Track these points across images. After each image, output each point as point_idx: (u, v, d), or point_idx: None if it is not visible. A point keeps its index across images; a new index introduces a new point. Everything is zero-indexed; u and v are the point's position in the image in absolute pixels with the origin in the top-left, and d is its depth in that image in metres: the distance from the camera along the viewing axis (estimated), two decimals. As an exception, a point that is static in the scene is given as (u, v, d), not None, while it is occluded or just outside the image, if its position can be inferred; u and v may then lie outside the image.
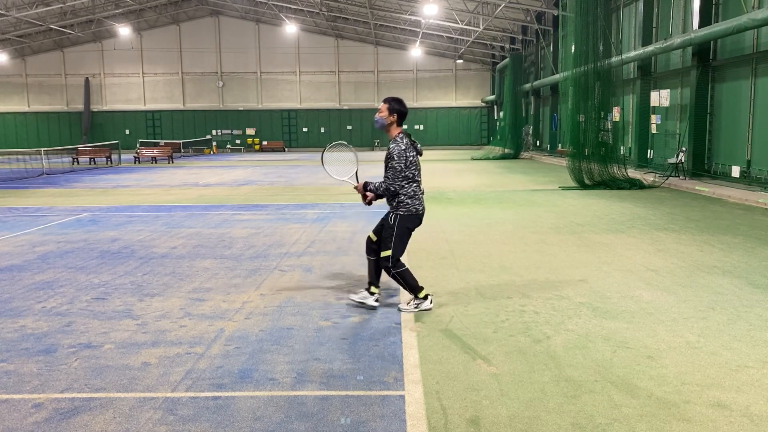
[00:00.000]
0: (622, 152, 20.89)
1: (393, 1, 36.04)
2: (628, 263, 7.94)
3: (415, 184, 5.79)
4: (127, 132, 48.94)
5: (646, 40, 21.88)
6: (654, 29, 21.99)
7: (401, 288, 5.57)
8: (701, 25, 17.75)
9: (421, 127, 48.81)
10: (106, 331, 5.47)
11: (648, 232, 10.18)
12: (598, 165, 17.93)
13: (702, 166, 18.59)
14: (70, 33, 44.52)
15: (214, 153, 47.20)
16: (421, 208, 5.84)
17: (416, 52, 46.29)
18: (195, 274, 7.65)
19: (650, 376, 4.36)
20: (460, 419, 3.77)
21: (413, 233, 5.99)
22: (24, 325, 5.67)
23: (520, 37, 38.16)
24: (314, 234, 10.45)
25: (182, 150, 43.79)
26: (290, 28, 44.24)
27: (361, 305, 6.07)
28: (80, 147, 34.79)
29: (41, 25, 41.33)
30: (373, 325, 5.56)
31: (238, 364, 4.67)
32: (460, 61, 47.65)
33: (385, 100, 5.84)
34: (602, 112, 18.45)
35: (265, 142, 49.02)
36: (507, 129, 36.53)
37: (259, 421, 3.77)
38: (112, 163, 32.86)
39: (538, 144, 37.67)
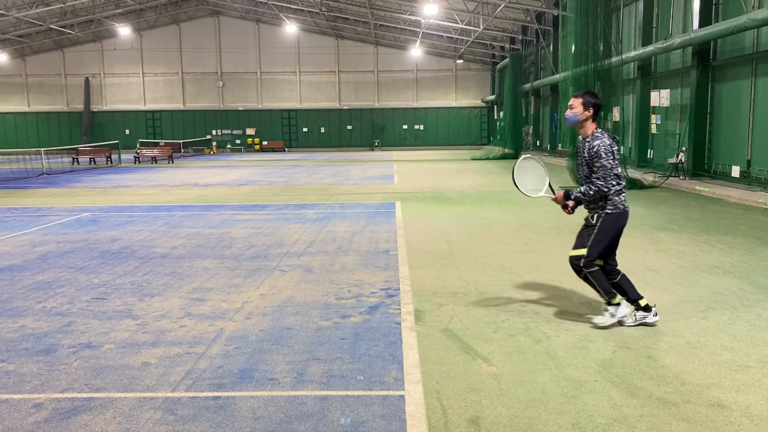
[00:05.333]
0: (622, 152, 20.90)
1: (393, 1, 36.04)
2: (628, 263, 7.93)
3: (622, 181, 5.31)
4: (127, 132, 48.94)
5: (646, 40, 21.87)
6: (654, 29, 21.98)
7: (594, 290, 5.33)
8: (701, 25, 17.75)
9: (421, 127, 48.79)
10: (106, 331, 5.47)
11: (648, 232, 10.18)
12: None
13: (702, 166, 18.59)
14: (70, 33, 44.51)
15: (214, 153, 47.17)
16: (627, 204, 5.37)
17: (416, 52, 46.25)
18: (195, 274, 7.65)
19: (650, 376, 4.36)
20: (460, 419, 3.76)
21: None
22: (24, 325, 5.67)
23: (520, 37, 38.16)
24: (314, 234, 10.44)
25: (182, 150, 43.78)
26: (290, 28, 44.22)
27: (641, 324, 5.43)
28: (80, 147, 34.79)
29: (41, 25, 41.32)
30: (373, 325, 5.56)
31: (238, 364, 4.67)
32: (460, 61, 47.62)
33: (577, 95, 5.35)
34: (602, 112, 18.44)
35: (265, 142, 49.01)
36: (507, 129, 36.51)
37: (259, 421, 3.77)
38: (112, 163, 32.84)
39: (538, 144, 37.67)
